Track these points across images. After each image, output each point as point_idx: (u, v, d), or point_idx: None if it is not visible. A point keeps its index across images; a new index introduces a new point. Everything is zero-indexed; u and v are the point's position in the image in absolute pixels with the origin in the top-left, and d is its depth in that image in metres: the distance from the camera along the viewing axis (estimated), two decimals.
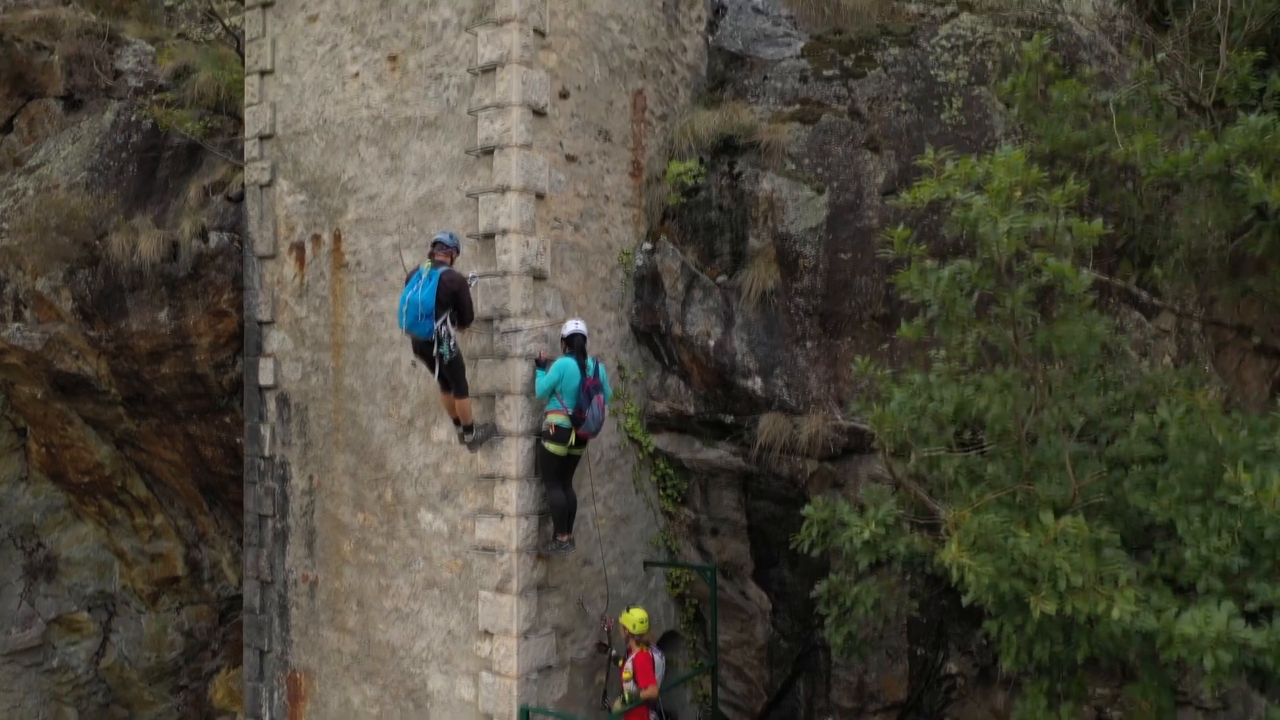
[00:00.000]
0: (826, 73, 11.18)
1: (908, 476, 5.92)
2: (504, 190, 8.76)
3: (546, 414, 8.73)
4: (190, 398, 11.97)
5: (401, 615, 9.76)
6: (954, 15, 11.75)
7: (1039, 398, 5.89)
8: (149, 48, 12.85)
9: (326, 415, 10.40)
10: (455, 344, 8.20)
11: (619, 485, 10.13)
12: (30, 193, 11.94)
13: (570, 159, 9.43)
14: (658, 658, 9.16)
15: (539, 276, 9.02)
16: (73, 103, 12.45)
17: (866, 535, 6.65)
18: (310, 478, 10.60)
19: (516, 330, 8.75)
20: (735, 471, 10.48)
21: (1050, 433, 6.10)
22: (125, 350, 11.63)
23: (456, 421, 8.74)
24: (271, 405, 10.95)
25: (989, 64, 11.20)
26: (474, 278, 8.80)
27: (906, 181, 10.55)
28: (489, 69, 8.84)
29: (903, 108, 10.86)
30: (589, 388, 8.63)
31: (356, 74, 10.03)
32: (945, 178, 5.22)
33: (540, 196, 9.01)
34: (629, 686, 8.94)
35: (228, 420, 12.07)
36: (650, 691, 8.83)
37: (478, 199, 8.96)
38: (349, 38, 10.09)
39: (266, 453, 10.97)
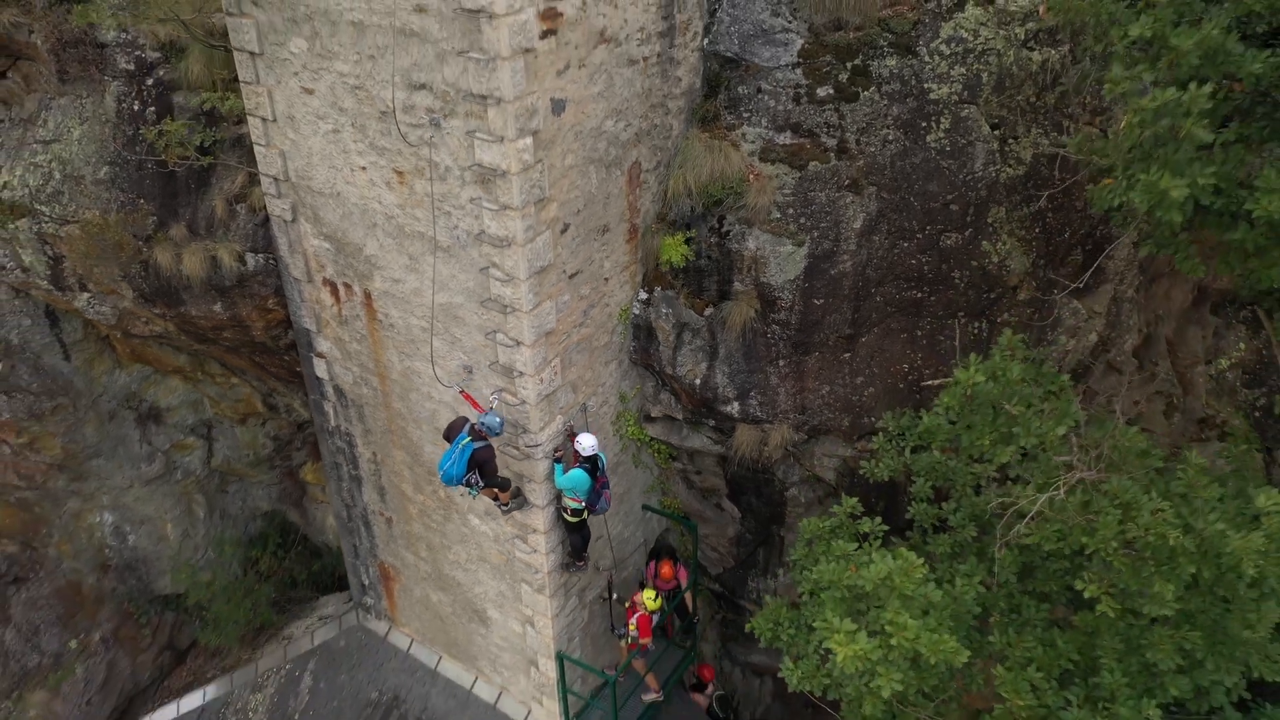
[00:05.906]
0: (820, 92, 11.35)
1: None
2: (518, 344, 10.12)
3: (563, 495, 11.14)
4: (252, 348, 13.94)
5: (462, 567, 13.11)
6: (960, 5, 11.36)
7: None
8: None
9: (380, 420, 12.62)
10: (479, 490, 10.37)
11: (622, 475, 12.77)
12: (57, 177, 12.61)
13: (573, 275, 10.45)
14: (656, 619, 12.71)
15: (552, 394, 10.72)
16: (67, 76, 12.40)
17: (794, 681, 9.67)
18: (374, 453, 13.15)
19: (537, 445, 10.77)
20: (715, 454, 13.02)
21: None
22: (189, 324, 13.34)
23: (495, 498, 11.18)
24: (330, 390, 13.03)
25: (984, 76, 11.28)
26: (497, 392, 10.55)
27: (886, 217, 11.45)
28: (496, 241, 9.57)
29: (890, 136, 11.34)
30: (598, 488, 10.93)
31: (364, 169, 10.43)
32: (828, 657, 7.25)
33: (550, 333, 10.33)
34: (633, 632, 12.63)
35: (287, 359, 14.16)
36: (645, 642, 12.55)
37: (495, 337, 10.31)
38: (351, 131, 10.27)
39: (331, 424, 13.35)
